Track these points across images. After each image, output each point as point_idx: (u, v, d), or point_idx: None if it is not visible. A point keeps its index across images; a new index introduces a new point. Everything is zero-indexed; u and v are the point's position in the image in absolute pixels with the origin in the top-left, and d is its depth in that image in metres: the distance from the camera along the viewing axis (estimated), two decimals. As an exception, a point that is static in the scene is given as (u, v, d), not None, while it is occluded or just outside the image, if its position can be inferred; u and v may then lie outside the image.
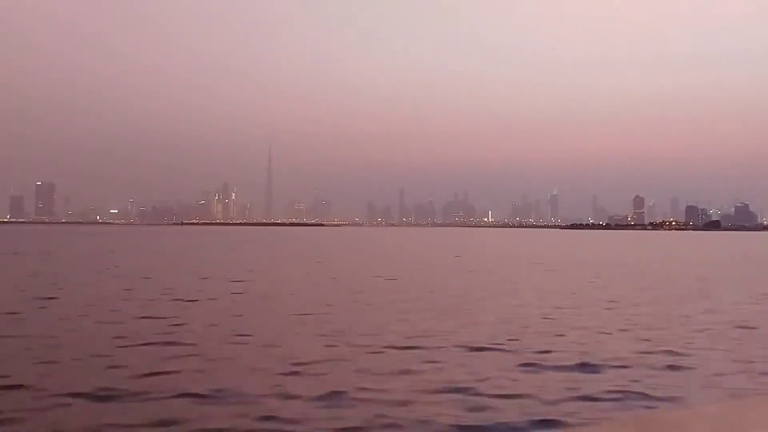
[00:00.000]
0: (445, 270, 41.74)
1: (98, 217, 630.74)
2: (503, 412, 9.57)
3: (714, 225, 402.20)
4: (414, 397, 10.30)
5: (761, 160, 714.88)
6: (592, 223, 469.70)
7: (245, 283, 30.31)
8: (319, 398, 10.30)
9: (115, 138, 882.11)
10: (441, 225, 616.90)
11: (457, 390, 10.73)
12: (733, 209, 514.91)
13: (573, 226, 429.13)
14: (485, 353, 13.86)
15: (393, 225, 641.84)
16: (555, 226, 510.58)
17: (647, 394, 10.49)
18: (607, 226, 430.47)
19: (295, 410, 9.73)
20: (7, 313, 19.31)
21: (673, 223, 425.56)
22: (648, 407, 9.91)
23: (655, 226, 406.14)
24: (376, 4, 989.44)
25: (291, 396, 10.43)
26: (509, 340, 15.35)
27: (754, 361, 13.06)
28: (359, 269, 41.53)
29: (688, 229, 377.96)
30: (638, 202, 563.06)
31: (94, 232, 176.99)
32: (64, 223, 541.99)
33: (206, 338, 15.49)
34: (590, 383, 11.23)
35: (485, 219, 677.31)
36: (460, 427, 8.96)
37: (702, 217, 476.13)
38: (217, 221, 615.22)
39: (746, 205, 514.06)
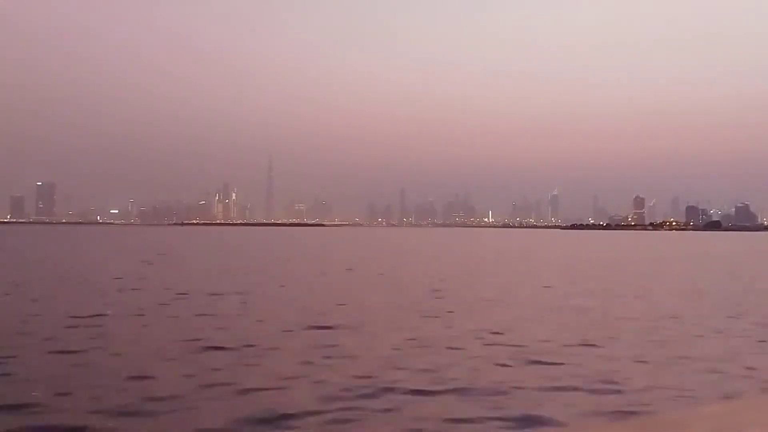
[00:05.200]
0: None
1: (98, 218, 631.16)
2: None
3: (714, 225, 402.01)
4: None
5: (761, 161, 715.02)
6: (593, 224, 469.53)
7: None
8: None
9: (115, 138, 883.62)
10: (442, 225, 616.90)
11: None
12: (734, 209, 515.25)
13: (573, 227, 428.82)
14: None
15: (393, 225, 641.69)
16: (555, 227, 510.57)
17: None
18: (608, 227, 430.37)
19: None
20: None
21: (674, 223, 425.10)
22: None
23: (655, 227, 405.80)
24: (377, 4, 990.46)
25: None
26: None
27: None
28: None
29: (689, 230, 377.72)
30: (639, 202, 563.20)
31: (114, 233, 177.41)
32: (64, 223, 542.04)
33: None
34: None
35: (486, 219, 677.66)
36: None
37: (702, 217, 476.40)
38: (218, 221, 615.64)
39: (747, 206, 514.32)
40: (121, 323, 16.90)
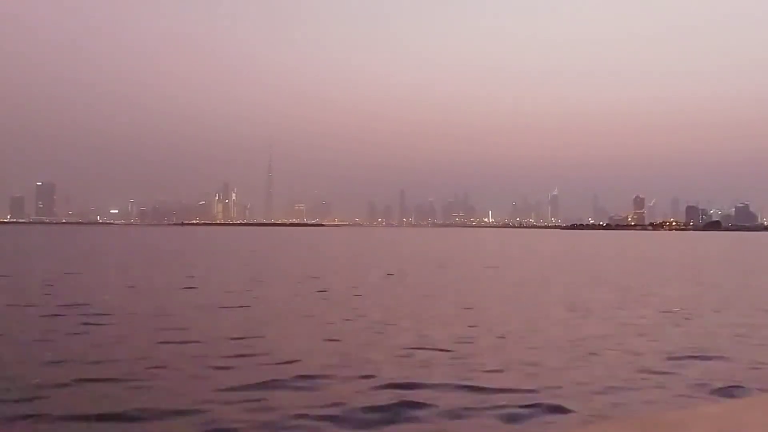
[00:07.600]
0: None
1: (98, 218, 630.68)
2: None
3: (714, 225, 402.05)
4: None
5: (761, 161, 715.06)
6: (593, 224, 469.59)
7: None
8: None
9: (115, 138, 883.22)
10: (441, 225, 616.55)
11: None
12: (734, 209, 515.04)
13: (573, 227, 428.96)
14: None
15: (393, 225, 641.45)
16: (555, 227, 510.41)
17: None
18: (608, 227, 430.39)
19: None
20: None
21: (674, 223, 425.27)
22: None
23: (655, 227, 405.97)
24: (376, 4, 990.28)
25: None
26: None
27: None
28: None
29: (689, 230, 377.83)
30: (639, 202, 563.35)
31: (119, 232, 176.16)
32: (64, 223, 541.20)
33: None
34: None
35: (485, 219, 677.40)
36: None
37: (702, 217, 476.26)
38: (218, 221, 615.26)
39: (746, 206, 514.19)
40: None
